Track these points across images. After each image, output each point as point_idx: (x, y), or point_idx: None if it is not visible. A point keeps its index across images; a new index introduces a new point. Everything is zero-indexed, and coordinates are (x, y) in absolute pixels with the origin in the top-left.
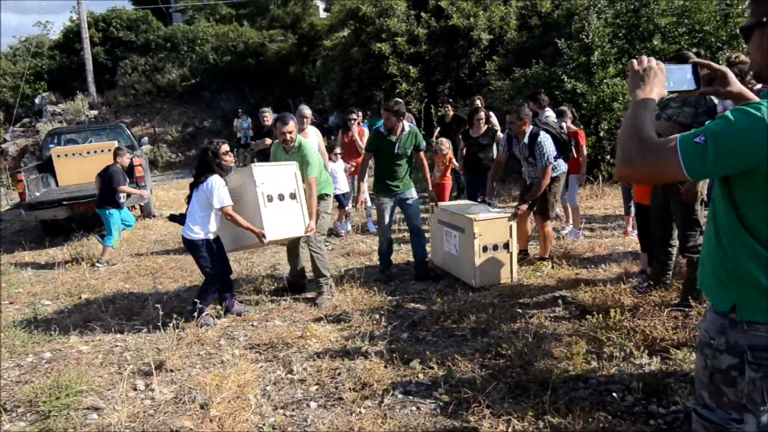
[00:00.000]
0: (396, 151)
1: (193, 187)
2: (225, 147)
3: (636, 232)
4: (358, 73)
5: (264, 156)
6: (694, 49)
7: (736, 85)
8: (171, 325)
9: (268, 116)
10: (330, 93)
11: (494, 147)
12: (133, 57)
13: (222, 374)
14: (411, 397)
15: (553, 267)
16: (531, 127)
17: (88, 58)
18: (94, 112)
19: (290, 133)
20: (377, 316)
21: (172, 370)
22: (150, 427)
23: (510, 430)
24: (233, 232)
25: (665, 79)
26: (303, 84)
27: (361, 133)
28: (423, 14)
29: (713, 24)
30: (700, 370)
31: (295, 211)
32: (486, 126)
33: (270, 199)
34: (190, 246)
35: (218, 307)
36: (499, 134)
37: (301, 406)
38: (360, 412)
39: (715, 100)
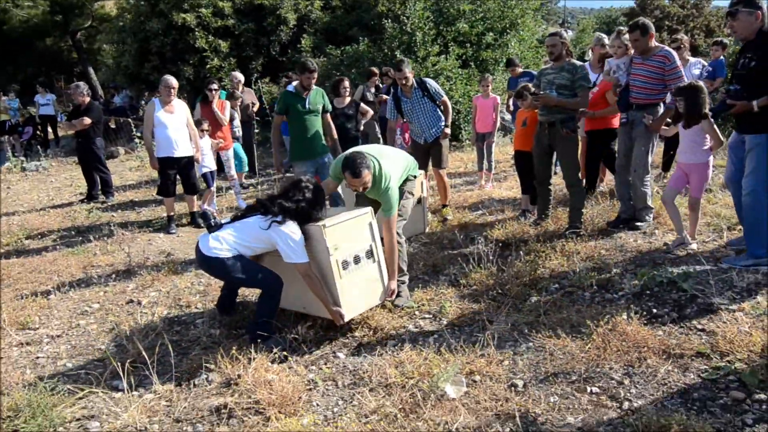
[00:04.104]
0: (307, 106)
1: (255, 212)
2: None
3: (490, 185)
4: (160, 47)
5: (83, 138)
6: (492, 33)
7: None
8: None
9: (80, 93)
10: (123, 68)
11: (358, 117)
12: None
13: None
14: (422, 328)
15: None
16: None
17: None
18: None
19: (365, 185)
20: None
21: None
22: (182, 414)
23: (522, 322)
24: (296, 288)
25: None
26: (61, 59)
27: (222, 106)
28: None
29: (498, 12)
30: None
31: (373, 274)
32: (350, 98)
33: (345, 265)
34: (212, 265)
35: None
36: (363, 106)
37: (329, 358)
38: (391, 351)
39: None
